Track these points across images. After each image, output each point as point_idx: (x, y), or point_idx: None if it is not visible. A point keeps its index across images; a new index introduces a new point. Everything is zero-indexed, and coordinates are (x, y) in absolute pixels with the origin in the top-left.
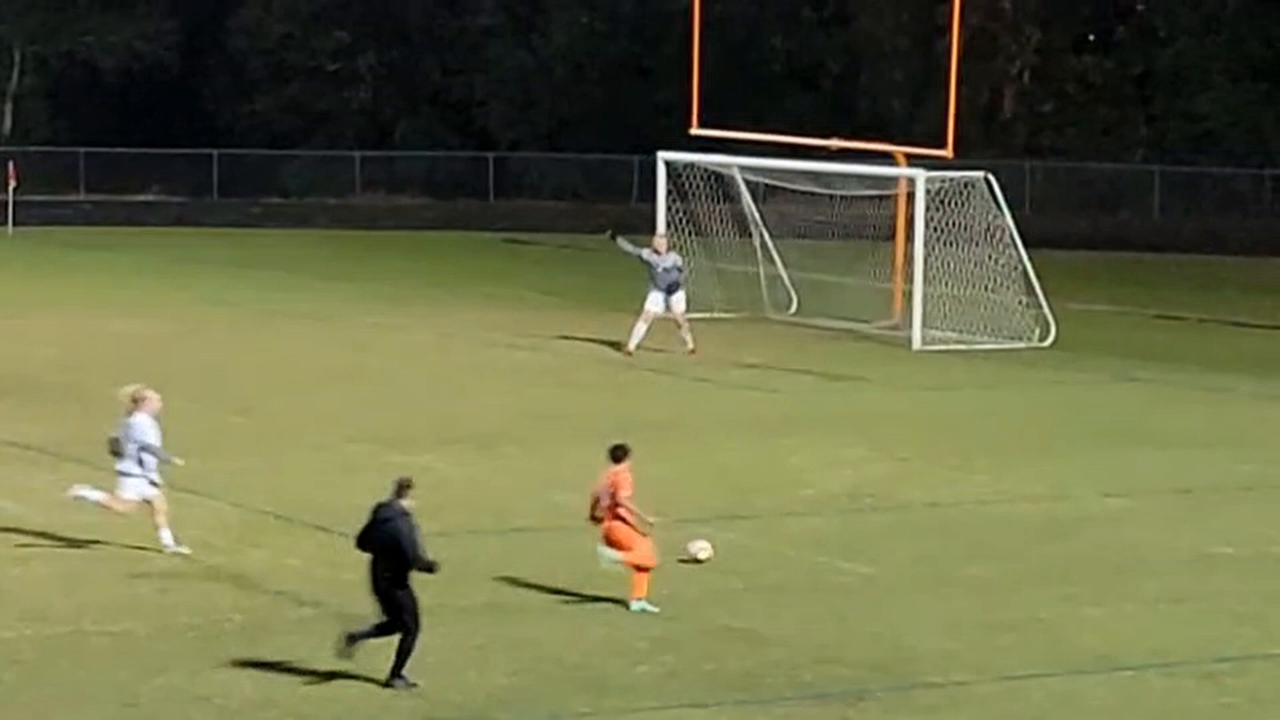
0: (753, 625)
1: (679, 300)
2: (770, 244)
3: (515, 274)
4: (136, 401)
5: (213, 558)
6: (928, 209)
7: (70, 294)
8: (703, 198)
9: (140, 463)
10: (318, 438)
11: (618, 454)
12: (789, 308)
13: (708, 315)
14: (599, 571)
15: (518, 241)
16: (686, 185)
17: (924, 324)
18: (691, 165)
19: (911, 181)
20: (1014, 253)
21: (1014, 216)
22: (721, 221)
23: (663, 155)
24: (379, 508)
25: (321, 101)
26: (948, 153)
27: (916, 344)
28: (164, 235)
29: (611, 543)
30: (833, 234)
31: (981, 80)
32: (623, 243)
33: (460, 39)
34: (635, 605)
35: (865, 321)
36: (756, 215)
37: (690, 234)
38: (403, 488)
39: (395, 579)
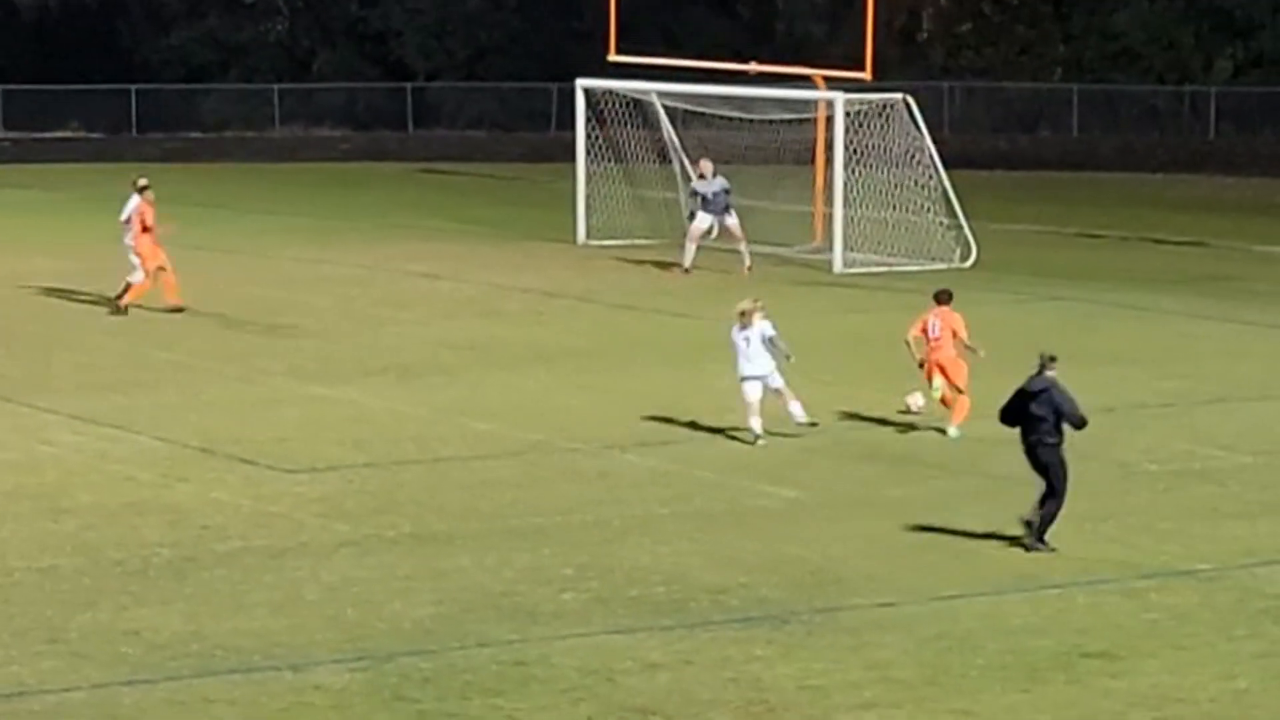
0: (678, 551)
1: (733, 219)
2: (690, 169)
3: (435, 205)
4: None
5: (139, 492)
6: (847, 131)
7: None
8: (622, 124)
9: None
10: (240, 371)
11: (943, 297)
12: (710, 234)
13: (629, 242)
14: (521, 499)
15: (437, 172)
16: (606, 112)
17: (845, 247)
18: (610, 92)
19: (830, 104)
20: (934, 174)
21: (933, 137)
22: (641, 148)
23: (581, 82)
24: (1028, 382)
25: (239, 35)
26: (866, 75)
27: (838, 267)
28: (83, 171)
29: (946, 376)
30: (752, 158)
31: (899, 2)
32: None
33: None
34: (954, 431)
35: (786, 245)
36: (676, 141)
37: (610, 161)
38: (1048, 361)
39: (1053, 445)
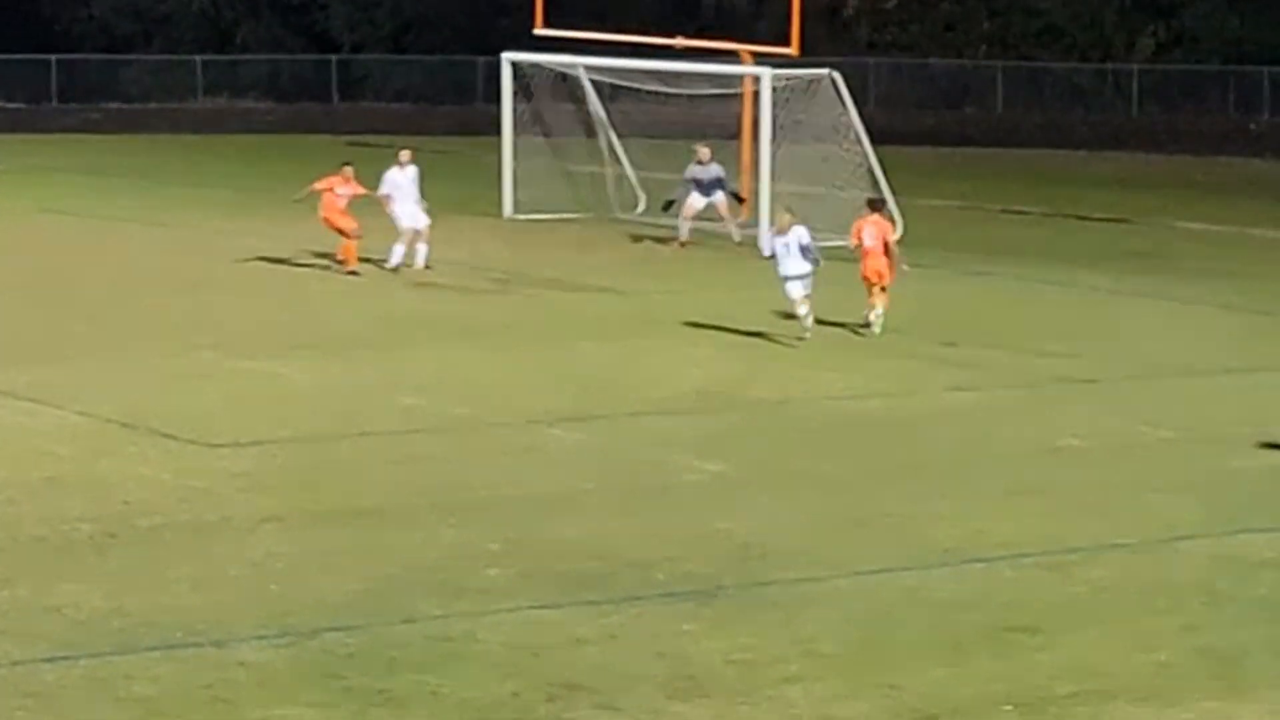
0: (604, 526)
1: (719, 197)
2: (617, 144)
3: (361, 177)
4: None
5: (60, 467)
6: (774, 107)
7: None
8: (548, 98)
9: None
10: (163, 345)
11: (876, 204)
12: (636, 208)
13: (555, 217)
14: (448, 474)
15: (362, 144)
16: (532, 86)
17: (771, 223)
18: (537, 66)
19: (757, 80)
20: (860, 149)
21: (859, 113)
22: (568, 122)
23: (507, 56)
24: None
25: (161, 5)
26: (793, 50)
27: (764, 243)
28: (2, 143)
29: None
30: (680, 133)
31: None
32: (678, 200)
33: None
34: (876, 318)
35: (713, 220)
36: (603, 115)
37: (537, 134)
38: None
39: None
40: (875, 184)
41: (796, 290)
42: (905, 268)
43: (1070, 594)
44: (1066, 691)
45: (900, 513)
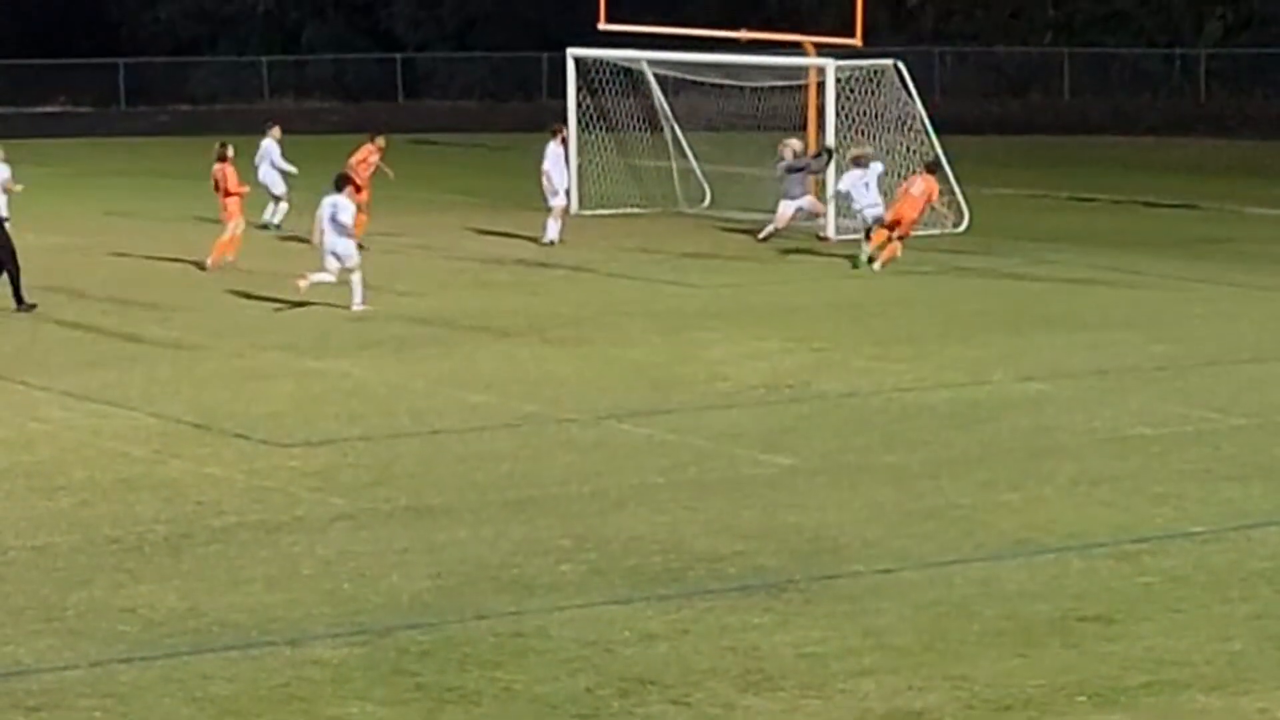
0: (674, 520)
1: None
2: (682, 138)
3: (426, 176)
4: None
5: (132, 469)
6: (838, 98)
7: None
8: (613, 93)
9: None
10: (233, 346)
11: (932, 165)
12: (703, 201)
13: (622, 211)
14: (516, 471)
15: (427, 142)
16: (596, 81)
17: (838, 214)
18: (601, 61)
19: (821, 71)
20: (925, 139)
21: (924, 103)
22: (633, 117)
23: (572, 51)
24: None
25: (227, 7)
26: (857, 41)
27: (832, 234)
28: (71, 147)
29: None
30: (745, 126)
31: None
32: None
33: None
34: (866, 256)
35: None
36: (667, 109)
37: (602, 130)
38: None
39: None
40: (942, 174)
41: (879, 211)
42: (949, 223)
43: (1141, 584)
44: (1139, 682)
45: (969, 504)
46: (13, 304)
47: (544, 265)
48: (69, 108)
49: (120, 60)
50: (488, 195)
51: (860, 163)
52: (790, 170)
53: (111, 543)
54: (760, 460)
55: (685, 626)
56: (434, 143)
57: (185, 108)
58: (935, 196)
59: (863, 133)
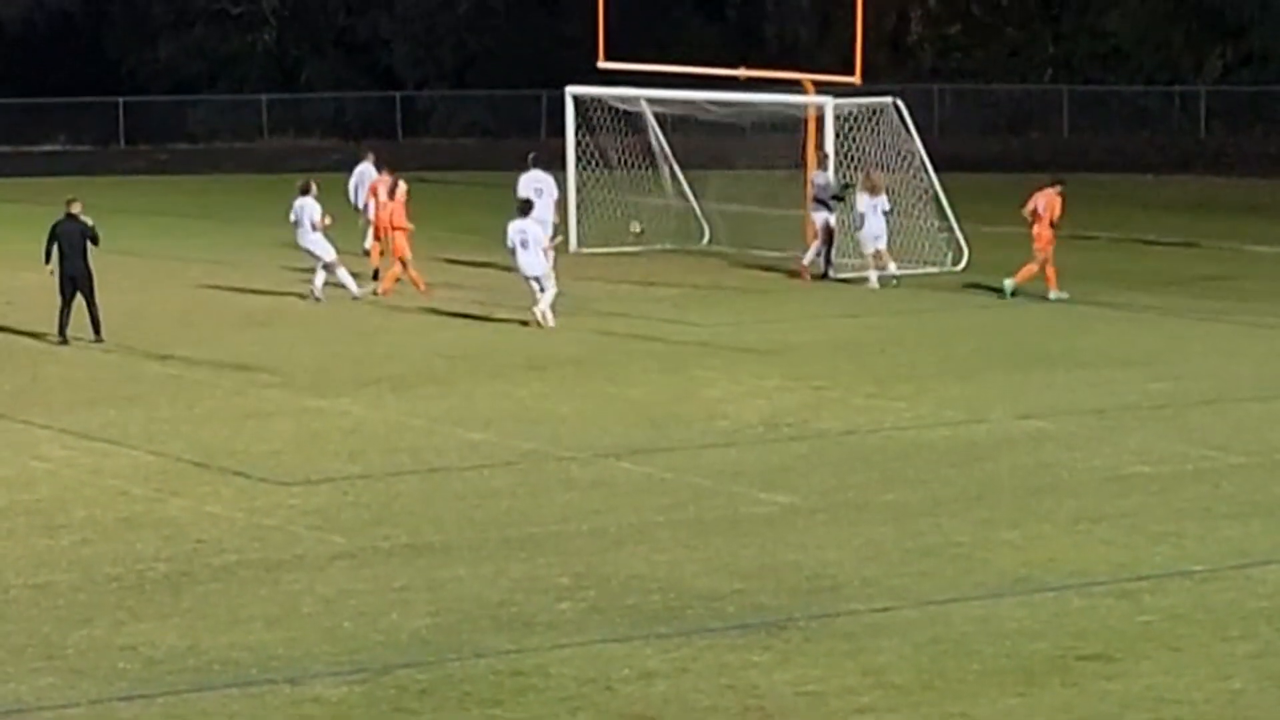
0: (673, 558)
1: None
2: (681, 176)
3: (426, 213)
4: None
5: (133, 507)
6: (837, 136)
7: None
8: (612, 131)
9: None
10: (233, 384)
11: (1055, 180)
12: (701, 239)
13: (620, 250)
14: (516, 509)
15: (427, 180)
16: (595, 119)
17: (837, 252)
18: (600, 99)
19: (820, 109)
20: (925, 177)
21: (923, 140)
22: (632, 154)
23: (570, 90)
24: None
25: (226, 45)
26: (856, 79)
27: (830, 273)
28: (72, 185)
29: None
30: (743, 164)
31: (888, 4)
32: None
33: None
34: (1054, 295)
35: (778, 250)
36: (666, 147)
37: (600, 168)
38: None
39: None
40: (941, 212)
41: (881, 244)
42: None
43: (1141, 622)
44: None
45: (969, 541)
46: (90, 334)
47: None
48: (69, 146)
49: (119, 99)
50: (486, 233)
51: (871, 189)
52: (816, 199)
53: (112, 581)
54: (759, 498)
55: (685, 665)
56: (434, 180)
57: (184, 146)
58: (1057, 211)
59: (861, 170)
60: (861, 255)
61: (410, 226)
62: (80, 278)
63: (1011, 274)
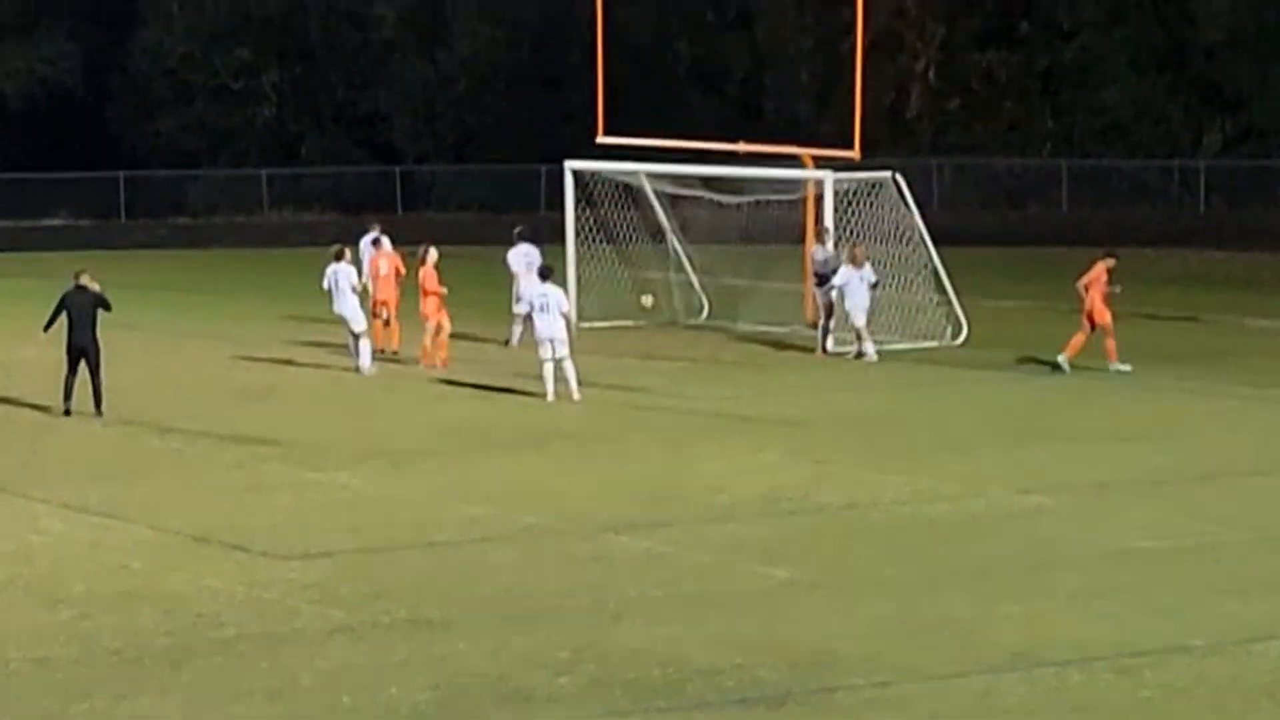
0: (673, 633)
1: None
2: (680, 249)
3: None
4: None
5: (132, 581)
6: (836, 210)
7: None
8: (612, 205)
9: None
10: (233, 458)
11: (1110, 252)
12: (701, 313)
13: (619, 324)
14: (515, 583)
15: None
16: (595, 193)
17: (836, 326)
18: (599, 173)
19: (820, 183)
20: (924, 251)
21: (923, 214)
22: (631, 228)
23: (570, 164)
24: None
25: (226, 120)
26: (855, 153)
27: (829, 345)
28: (72, 260)
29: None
30: (742, 238)
31: (886, 79)
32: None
33: (363, 53)
34: (1114, 367)
35: (778, 325)
36: (665, 221)
37: (600, 242)
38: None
39: None
40: (940, 286)
41: (862, 318)
42: (1118, 289)
43: (1141, 698)
44: None
45: (969, 617)
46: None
47: (542, 377)
48: (69, 220)
49: (121, 173)
50: (486, 307)
51: (854, 261)
52: (817, 274)
53: (112, 655)
54: (759, 573)
55: None
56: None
57: (185, 220)
58: (1104, 279)
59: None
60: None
61: (444, 290)
62: (89, 349)
63: (1061, 349)
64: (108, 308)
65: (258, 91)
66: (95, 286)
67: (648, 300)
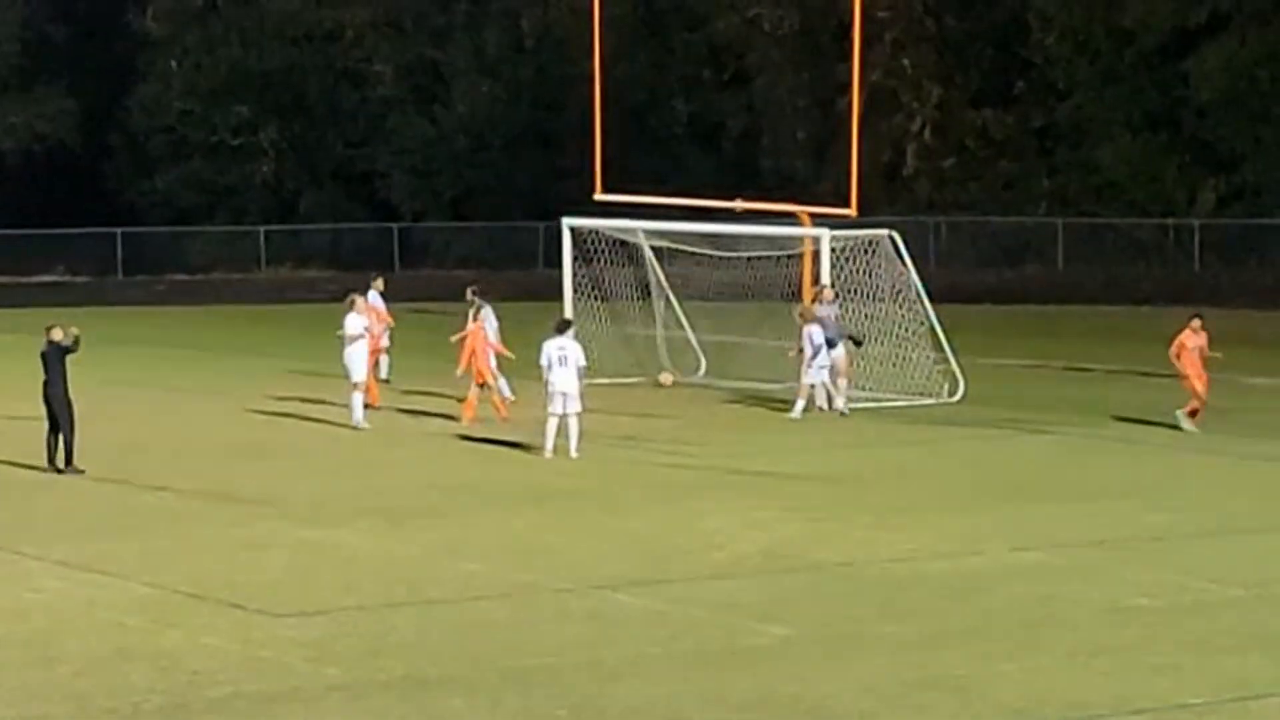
0: (670, 691)
1: (839, 351)
2: (677, 307)
3: (422, 344)
4: None
5: (127, 639)
6: (833, 268)
7: None
8: (609, 262)
9: None
10: (229, 515)
11: (1197, 314)
12: (697, 370)
13: (615, 381)
14: (512, 641)
15: (425, 312)
16: (592, 250)
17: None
18: (596, 230)
19: (816, 241)
20: (920, 309)
21: (919, 272)
22: (628, 286)
23: (567, 221)
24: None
25: (224, 177)
26: (851, 211)
27: (840, 405)
28: (70, 316)
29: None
30: (739, 295)
31: (883, 137)
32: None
33: (361, 110)
34: (1185, 425)
35: (774, 382)
36: (662, 279)
37: (597, 299)
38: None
39: None
40: (937, 344)
41: (825, 375)
42: (1220, 356)
43: None
44: None
45: (966, 674)
46: (60, 463)
47: (538, 433)
48: (67, 277)
49: (118, 229)
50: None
51: (804, 316)
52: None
53: (107, 713)
54: (757, 630)
55: None
56: (432, 312)
57: (183, 276)
58: (1205, 345)
59: (857, 302)
60: (861, 388)
61: (509, 354)
62: (56, 403)
63: (1181, 407)
64: (73, 349)
65: (256, 148)
66: (59, 335)
67: (666, 378)
